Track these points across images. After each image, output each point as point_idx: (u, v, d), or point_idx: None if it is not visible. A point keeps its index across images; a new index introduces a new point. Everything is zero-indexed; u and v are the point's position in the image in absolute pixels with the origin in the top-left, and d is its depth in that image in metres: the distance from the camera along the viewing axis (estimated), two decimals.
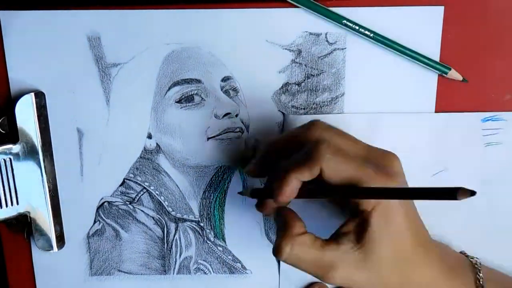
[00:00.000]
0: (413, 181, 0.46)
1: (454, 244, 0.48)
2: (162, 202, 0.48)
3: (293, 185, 0.36)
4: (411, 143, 0.46)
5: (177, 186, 0.47)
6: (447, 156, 0.46)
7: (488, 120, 0.45)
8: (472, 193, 0.28)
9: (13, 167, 0.44)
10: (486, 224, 0.48)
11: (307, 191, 0.37)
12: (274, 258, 0.49)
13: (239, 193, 0.47)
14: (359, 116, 0.46)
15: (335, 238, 0.38)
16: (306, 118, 0.45)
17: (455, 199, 0.29)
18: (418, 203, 0.47)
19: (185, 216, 0.48)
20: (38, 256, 0.48)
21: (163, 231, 0.48)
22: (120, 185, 0.47)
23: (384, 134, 0.46)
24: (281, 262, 0.49)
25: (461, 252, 0.46)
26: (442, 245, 0.45)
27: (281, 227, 0.38)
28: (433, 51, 0.44)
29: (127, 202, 0.48)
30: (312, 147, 0.36)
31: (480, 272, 0.42)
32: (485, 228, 0.48)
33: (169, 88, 0.45)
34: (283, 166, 0.37)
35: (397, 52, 0.44)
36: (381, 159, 0.38)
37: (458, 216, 0.48)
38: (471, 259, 0.43)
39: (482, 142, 0.46)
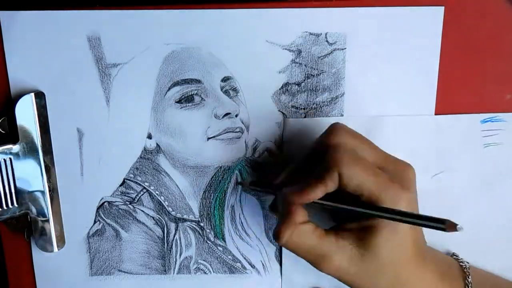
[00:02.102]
0: None
1: (451, 244, 0.48)
2: (162, 202, 0.48)
3: (315, 195, 0.37)
4: (411, 145, 0.46)
5: (177, 186, 0.47)
6: (446, 158, 0.46)
7: (487, 121, 0.46)
8: (458, 227, 0.31)
9: (13, 167, 0.44)
10: (485, 224, 0.48)
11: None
12: (274, 257, 0.49)
13: (239, 183, 0.47)
14: (358, 119, 0.46)
15: (336, 231, 0.39)
16: (306, 122, 0.46)
17: (444, 230, 0.32)
18: (421, 208, 0.47)
19: (185, 216, 0.48)
20: (38, 256, 0.48)
21: (163, 231, 0.48)
22: (120, 185, 0.47)
23: (384, 136, 0.46)
24: (282, 267, 0.49)
25: (452, 255, 0.47)
26: (434, 251, 0.46)
27: (284, 213, 0.39)
28: (433, 51, 0.44)
29: (127, 202, 0.48)
30: (330, 155, 0.37)
31: (469, 277, 0.43)
32: (484, 228, 0.48)
33: (169, 88, 0.45)
34: (308, 176, 0.38)
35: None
36: (397, 169, 0.39)
37: (459, 216, 0.47)
38: (461, 263, 0.44)
39: (482, 143, 0.46)
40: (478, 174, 0.47)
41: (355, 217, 0.39)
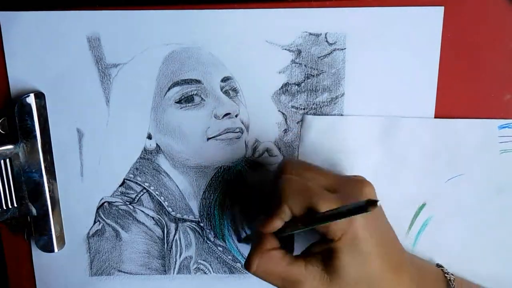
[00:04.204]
0: (426, 187, 0.46)
1: (462, 250, 0.48)
2: (162, 202, 0.48)
3: (276, 225, 0.39)
4: (426, 148, 0.46)
5: (177, 186, 0.47)
6: (462, 162, 0.46)
7: (504, 127, 0.45)
8: (374, 202, 0.31)
9: (13, 167, 0.44)
10: (497, 231, 0.47)
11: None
12: None
13: (239, 241, 0.49)
14: (374, 119, 0.46)
15: (304, 256, 0.39)
16: (324, 119, 0.45)
17: (366, 211, 0.31)
18: (434, 211, 0.47)
19: (185, 216, 0.48)
20: (38, 256, 0.48)
21: (163, 231, 0.48)
22: (120, 186, 0.47)
23: (399, 138, 0.46)
24: None
25: (437, 265, 0.46)
26: (417, 261, 0.46)
27: (254, 242, 0.40)
28: (433, 51, 0.44)
29: (127, 202, 0.48)
30: (277, 189, 0.39)
31: None
32: (496, 235, 0.47)
33: (169, 89, 0.45)
34: (270, 212, 0.39)
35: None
36: (353, 188, 0.39)
37: (471, 223, 0.47)
38: (446, 274, 0.44)
39: (498, 149, 0.46)
40: (493, 180, 0.46)
41: (319, 240, 0.39)
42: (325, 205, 0.36)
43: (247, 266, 0.39)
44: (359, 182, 0.40)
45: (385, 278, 0.38)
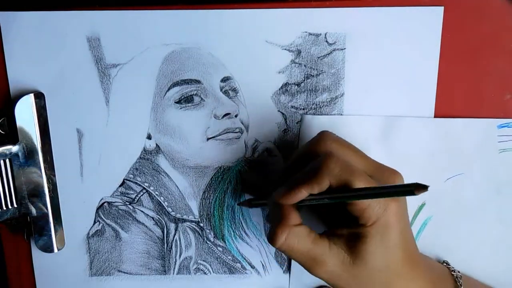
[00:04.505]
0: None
1: (462, 249, 0.48)
2: (162, 202, 0.48)
3: (301, 196, 0.38)
4: (426, 147, 0.46)
5: (177, 186, 0.47)
6: (461, 162, 0.46)
7: (504, 126, 0.45)
8: (425, 187, 0.31)
9: (13, 168, 0.44)
10: (496, 230, 0.47)
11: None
12: (274, 258, 0.49)
13: (238, 204, 0.48)
14: (374, 119, 0.46)
15: (328, 236, 0.39)
16: (323, 119, 0.45)
17: (413, 194, 0.31)
18: (434, 210, 0.46)
19: (184, 217, 0.48)
20: (38, 256, 0.48)
21: (163, 232, 0.48)
22: (120, 186, 0.47)
23: (398, 138, 0.46)
24: (292, 263, 0.49)
25: (444, 262, 0.47)
26: (427, 258, 0.46)
27: (277, 216, 0.39)
28: (433, 51, 0.44)
29: (126, 203, 0.48)
30: (321, 162, 0.37)
31: (461, 286, 0.43)
32: (495, 234, 0.47)
33: (169, 89, 0.45)
34: (295, 178, 0.38)
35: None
36: (385, 176, 0.39)
37: (470, 222, 0.47)
38: (452, 272, 0.44)
39: (497, 148, 0.46)
40: (492, 179, 0.46)
41: (345, 222, 0.39)
42: (363, 185, 0.36)
43: (272, 240, 0.38)
44: (392, 172, 0.40)
45: (403, 271, 0.39)
